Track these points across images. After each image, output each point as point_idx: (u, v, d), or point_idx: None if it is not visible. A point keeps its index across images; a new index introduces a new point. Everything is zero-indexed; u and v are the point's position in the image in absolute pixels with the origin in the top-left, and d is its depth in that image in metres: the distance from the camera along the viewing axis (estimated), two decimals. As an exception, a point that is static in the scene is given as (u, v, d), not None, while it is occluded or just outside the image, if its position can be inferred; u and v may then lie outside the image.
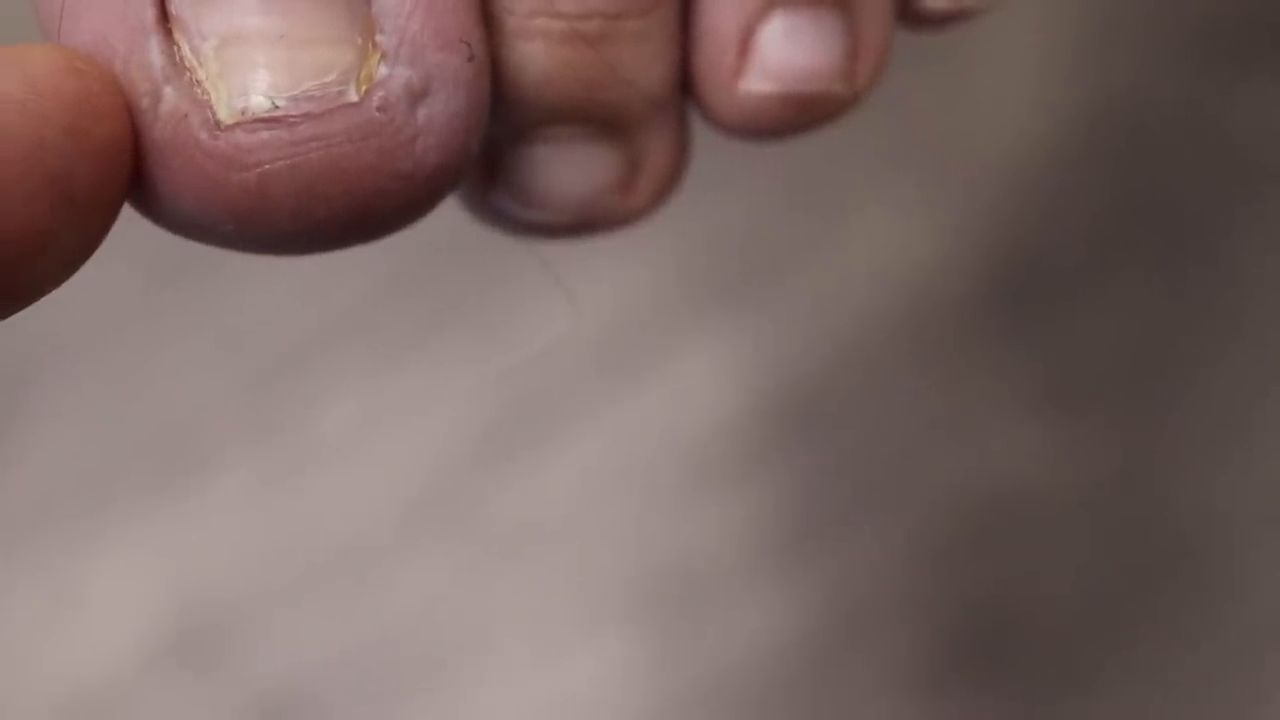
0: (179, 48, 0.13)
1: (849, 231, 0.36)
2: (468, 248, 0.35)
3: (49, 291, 0.13)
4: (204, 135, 0.13)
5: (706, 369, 0.35)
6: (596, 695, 0.34)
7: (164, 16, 0.13)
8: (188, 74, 0.13)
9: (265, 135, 0.13)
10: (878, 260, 0.36)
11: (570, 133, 0.16)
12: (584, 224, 0.17)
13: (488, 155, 0.17)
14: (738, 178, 0.35)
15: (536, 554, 0.34)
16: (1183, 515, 0.35)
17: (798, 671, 0.34)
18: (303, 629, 0.34)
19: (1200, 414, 0.35)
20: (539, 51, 0.15)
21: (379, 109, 0.13)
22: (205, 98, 0.13)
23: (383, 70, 0.13)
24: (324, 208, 0.13)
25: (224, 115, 0.13)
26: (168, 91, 0.13)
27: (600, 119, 0.16)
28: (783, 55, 0.16)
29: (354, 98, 0.13)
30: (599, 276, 0.35)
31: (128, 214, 0.14)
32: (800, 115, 0.17)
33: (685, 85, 0.17)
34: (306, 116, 0.13)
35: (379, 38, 0.13)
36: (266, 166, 0.13)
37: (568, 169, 0.16)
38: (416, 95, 0.13)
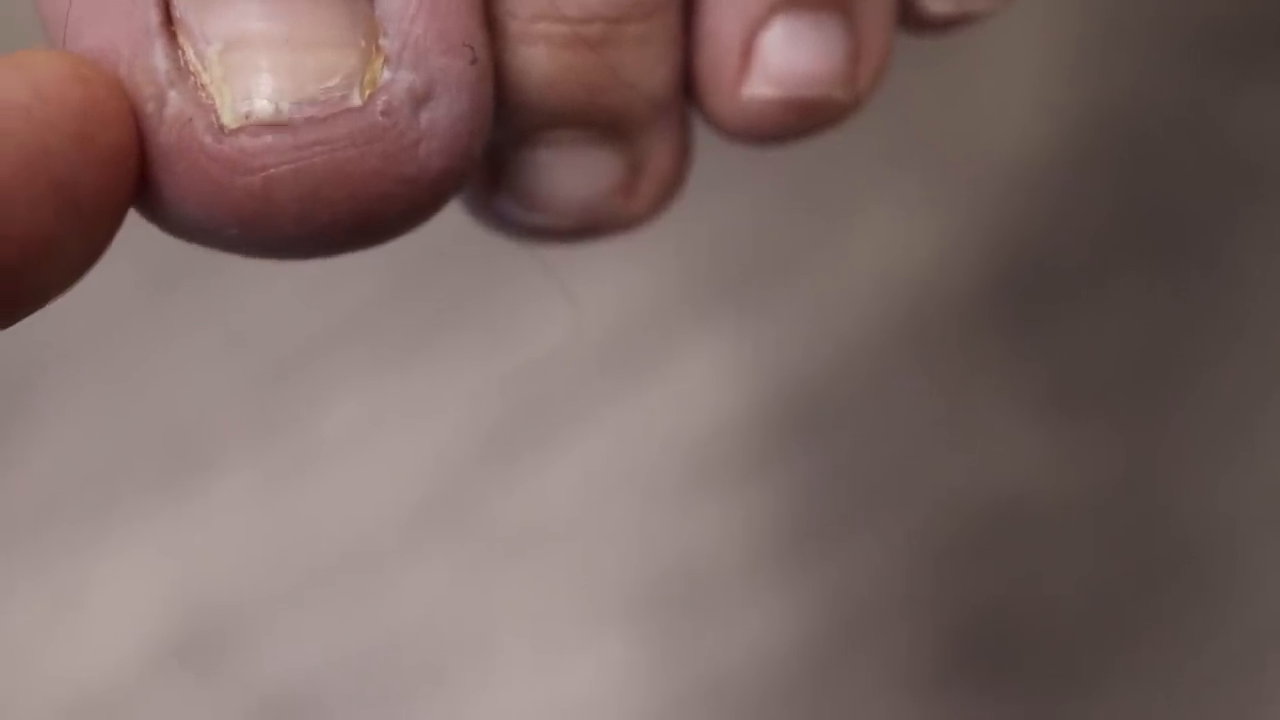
0: (183, 52, 0.13)
1: (851, 233, 0.36)
2: (470, 249, 0.35)
3: (53, 298, 0.13)
4: (208, 139, 0.13)
5: (709, 370, 0.35)
6: (598, 697, 0.34)
7: (168, 20, 0.13)
8: (192, 78, 0.13)
9: (269, 139, 0.13)
10: (880, 262, 0.36)
11: (573, 136, 0.16)
12: (586, 228, 0.17)
13: (490, 159, 0.17)
14: (740, 179, 0.35)
15: (539, 555, 0.34)
16: (1185, 517, 0.35)
17: (799, 673, 0.34)
18: (305, 631, 0.34)
19: (1203, 416, 0.35)
20: (542, 55, 0.15)
21: (383, 113, 0.13)
22: (210, 102, 0.13)
23: (386, 74, 0.13)
24: (328, 212, 0.13)
25: (228, 119, 0.13)
26: (172, 96, 0.13)
27: (602, 123, 0.16)
28: (784, 60, 0.16)
29: (358, 102, 0.13)
30: (601, 278, 0.35)
31: (131, 215, 0.14)
32: (802, 120, 0.17)
33: (687, 89, 0.17)
34: (310, 121, 0.13)
35: (382, 41, 0.13)
36: (271, 171, 0.13)
37: (570, 173, 0.16)
38: (420, 99, 0.13)
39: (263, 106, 0.13)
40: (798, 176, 0.36)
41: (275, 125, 0.13)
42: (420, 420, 0.35)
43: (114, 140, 0.13)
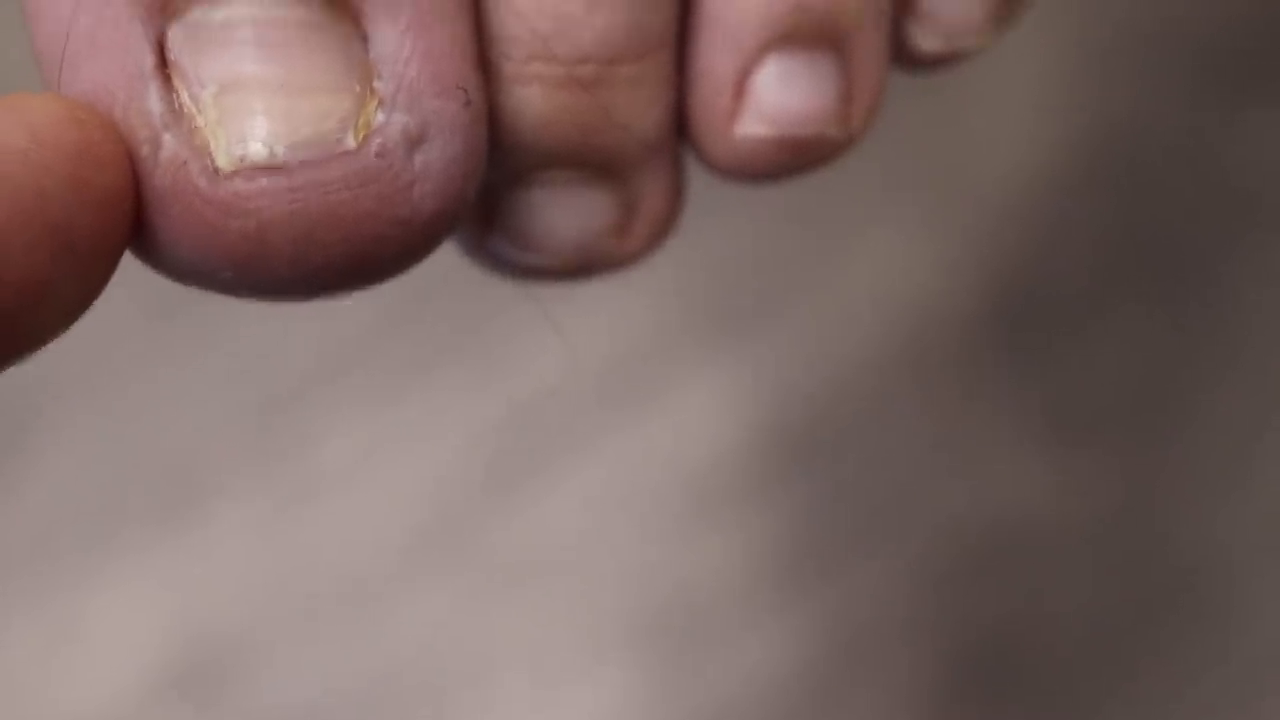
0: (178, 94, 0.13)
1: (850, 259, 0.36)
2: (468, 279, 0.35)
3: (49, 342, 0.13)
4: (203, 182, 0.13)
5: (707, 398, 0.35)
6: (598, 726, 0.34)
7: (163, 63, 0.13)
8: (187, 121, 0.13)
9: (264, 182, 0.13)
10: (878, 289, 0.36)
11: (566, 177, 0.16)
12: (580, 267, 0.17)
13: (484, 199, 0.17)
14: (738, 206, 0.35)
15: (538, 585, 0.34)
16: (1184, 545, 0.35)
17: (799, 701, 0.34)
18: (304, 661, 0.34)
19: (1201, 444, 0.35)
20: (535, 96, 0.15)
21: (377, 155, 0.13)
22: (204, 145, 0.13)
23: (380, 117, 0.13)
24: (322, 254, 0.13)
25: (223, 162, 0.13)
26: (167, 139, 0.13)
27: (596, 163, 0.16)
28: (777, 99, 0.16)
29: (352, 144, 0.13)
30: (599, 307, 0.35)
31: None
32: (795, 158, 0.17)
33: (680, 128, 0.17)
34: (305, 164, 0.13)
35: (377, 84, 0.13)
36: (265, 214, 0.13)
37: (564, 213, 0.17)
38: (414, 141, 0.13)
39: (257, 150, 0.13)
40: (795, 203, 0.36)
41: (270, 168, 0.13)
42: (419, 449, 0.35)
43: (109, 183, 0.13)
